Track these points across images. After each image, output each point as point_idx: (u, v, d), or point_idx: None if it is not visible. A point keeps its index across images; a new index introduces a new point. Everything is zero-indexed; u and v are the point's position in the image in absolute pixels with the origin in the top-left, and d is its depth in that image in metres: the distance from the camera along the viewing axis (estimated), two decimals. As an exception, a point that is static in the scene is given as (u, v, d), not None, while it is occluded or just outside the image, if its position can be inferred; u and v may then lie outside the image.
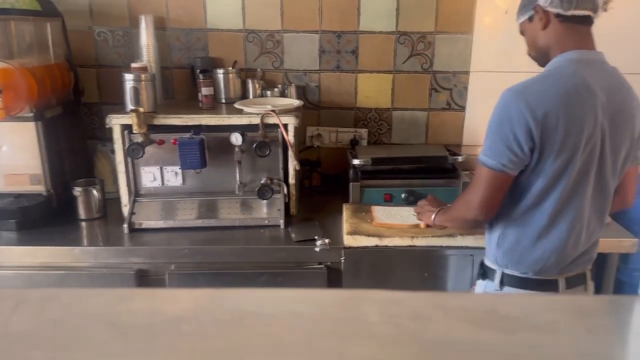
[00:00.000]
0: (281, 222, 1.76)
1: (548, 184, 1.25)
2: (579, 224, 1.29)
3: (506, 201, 1.32)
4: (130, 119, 1.67)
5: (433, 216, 1.56)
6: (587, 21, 1.27)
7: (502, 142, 1.22)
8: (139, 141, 1.66)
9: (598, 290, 1.71)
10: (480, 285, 1.44)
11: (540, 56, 1.35)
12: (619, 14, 2.00)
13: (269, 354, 0.39)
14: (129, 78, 1.73)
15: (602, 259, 1.69)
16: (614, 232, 1.71)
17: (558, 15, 1.26)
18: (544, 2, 1.26)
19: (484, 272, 1.43)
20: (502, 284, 1.36)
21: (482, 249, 1.59)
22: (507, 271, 1.35)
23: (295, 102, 1.86)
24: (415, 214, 1.72)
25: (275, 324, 0.42)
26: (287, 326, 0.42)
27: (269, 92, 2.02)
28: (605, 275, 1.75)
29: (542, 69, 1.33)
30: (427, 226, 1.68)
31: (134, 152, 1.65)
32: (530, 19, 1.32)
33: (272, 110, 1.71)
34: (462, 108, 2.16)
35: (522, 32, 1.38)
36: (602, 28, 1.98)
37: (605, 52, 1.31)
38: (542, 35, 1.30)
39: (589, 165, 1.25)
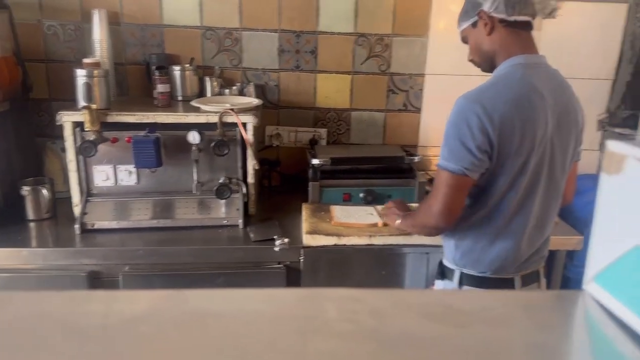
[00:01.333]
0: (240, 222, 1.75)
1: (505, 187, 1.28)
2: (532, 224, 1.34)
3: (464, 205, 1.33)
4: (82, 116, 1.61)
5: (397, 221, 1.54)
6: (528, 26, 1.31)
7: (462, 146, 1.22)
8: (91, 139, 1.61)
9: (548, 286, 1.78)
10: (439, 285, 1.47)
11: (485, 62, 1.37)
12: (568, 21, 2.10)
13: (230, 354, 0.39)
14: (80, 74, 1.67)
15: (551, 256, 1.77)
16: (561, 230, 1.79)
17: (502, 21, 1.29)
18: (489, 8, 1.28)
19: (443, 272, 1.45)
20: (461, 283, 1.39)
21: (438, 247, 1.64)
22: (466, 271, 1.38)
23: (254, 101, 1.85)
24: (379, 214, 1.75)
25: (236, 324, 0.42)
26: (248, 325, 0.42)
27: (227, 91, 2.00)
28: (553, 272, 1.83)
29: (487, 75, 1.36)
30: (385, 224, 1.71)
31: (85, 150, 1.60)
32: (474, 24, 1.34)
33: (231, 109, 1.70)
34: (418, 110, 2.21)
35: (464, 39, 1.41)
36: (552, 34, 2.09)
37: (556, 57, 1.38)
38: (487, 41, 1.32)
39: (540, 167, 1.29)
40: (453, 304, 0.42)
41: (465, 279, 1.39)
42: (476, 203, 1.33)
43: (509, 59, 1.29)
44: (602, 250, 0.44)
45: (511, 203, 1.30)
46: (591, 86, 2.18)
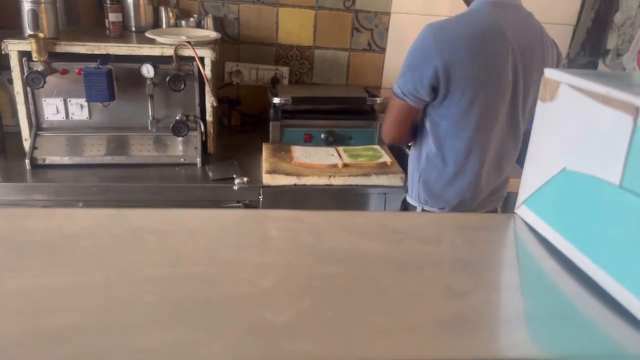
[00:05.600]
0: (198, 160, 1.73)
1: (457, 121, 1.32)
2: (490, 163, 1.39)
3: (427, 140, 1.40)
4: (28, 45, 1.52)
5: None
6: None
7: (409, 73, 1.31)
8: (39, 70, 1.53)
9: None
10: None
11: None
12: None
13: (168, 265, 0.39)
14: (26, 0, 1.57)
15: (508, 197, 1.84)
16: (519, 171, 1.85)
17: None
18: None
19: (406, 209, 1.53)
20: None
21: (395, 187, 1.68)
22: (427, 208, 1.45)
23: (213, 34, 1.78)
24: (339, 155, 1.79)
25: (175, 239, 0.43)
26: (187, 241, 0.43)
27: (183, 22, 1.91)
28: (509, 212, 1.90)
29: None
30: (345, 166, 1.72)
31: (33, 81, 1.52)
32: None
33: (187, 42, 1.63)
34: (383, 50, 2.18)
35: None
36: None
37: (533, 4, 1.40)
38: None
39: (498, 105, 1.33)
40: (387, 223, 0.44)
41: None
42: (433, 137, 1.38)
43: None
44: (534, 176, 0.46)
45: (467, 139, 1.34)
46: (553, 31, 2.17)
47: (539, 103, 0.45)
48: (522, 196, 0.48)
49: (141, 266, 0.40)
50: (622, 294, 0.35)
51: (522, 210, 0.48)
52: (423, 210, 1.45)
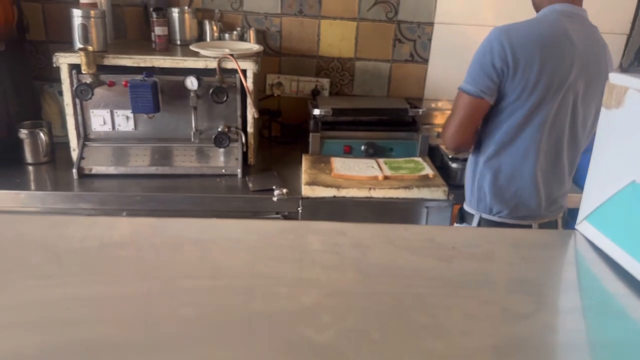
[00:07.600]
0: (239, 171, 1.74)
1: (521, 122, 1.33)
2: (550, 167, 1.38)
3: (485, 144, 1.41)
4: (78, 58, 1.58)
5: None
6: None
7: (482, 70, 1.32)
8: (88, 82, 1.58)
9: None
10: None
11: (536, 6, 1.45)
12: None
13: (208, 276, 0.38)
14: (77, 14, 1.63)
15: (571, 213, 1.76)
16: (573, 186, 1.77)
17: None
18: None
19: (462, 217, 1.51)
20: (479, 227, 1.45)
21: (437, 200, 1.64)
22: (485, 216, 1.44)
23: (255, 47, 1.80)
24: (379, 167, 1.76)
25: (215, 250, 0.42)
26: (226, 252, 0.41)
27: (227, 35, 1.94)
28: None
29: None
30: (385, 178, 1.69)
31: (82, 93, 1.57)
32: None
33: (230, 54, 1.65)
34: (425, 61, 2.15)
35: None
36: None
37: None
38: None
39: (562, 111, 1.33)
40: (435, 238, 0.41)
41: (483, 223, 1.44)
42: (491, 142, 1.39)
43: (550, 5, 1.37)
44: (597, 190, 0.43)
45: (526, 141, 1.34)
46: (605, 40, 2.11)
47: (603, 110, 0.42)
48: (583, 211, 0.44)
49: (180, 277, 0.39)
50: None
51: (584, 226, 0.45)
52: (481, 218, 1.44)
